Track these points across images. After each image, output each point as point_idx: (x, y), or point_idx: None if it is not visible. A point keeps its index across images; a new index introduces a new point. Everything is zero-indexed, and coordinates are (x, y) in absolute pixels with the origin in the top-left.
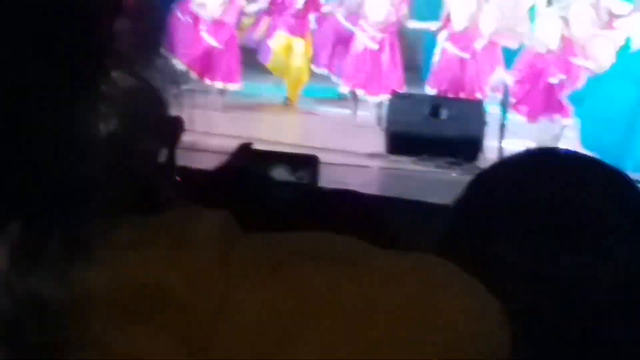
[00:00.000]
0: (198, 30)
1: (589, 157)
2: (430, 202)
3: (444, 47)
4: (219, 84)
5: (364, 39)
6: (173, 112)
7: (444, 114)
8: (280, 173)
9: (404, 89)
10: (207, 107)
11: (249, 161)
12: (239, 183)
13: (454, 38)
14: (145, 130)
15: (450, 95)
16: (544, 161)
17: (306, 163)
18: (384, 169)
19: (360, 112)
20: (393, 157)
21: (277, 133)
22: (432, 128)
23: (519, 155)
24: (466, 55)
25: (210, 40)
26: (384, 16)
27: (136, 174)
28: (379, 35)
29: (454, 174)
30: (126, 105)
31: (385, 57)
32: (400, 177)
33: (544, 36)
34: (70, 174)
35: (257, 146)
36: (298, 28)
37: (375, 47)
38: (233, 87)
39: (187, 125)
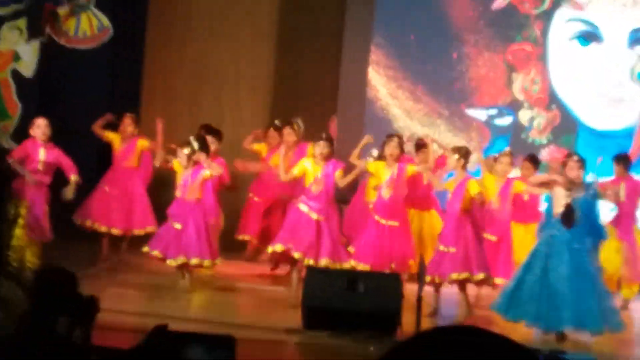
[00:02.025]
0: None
1: (500, 336)
2: None
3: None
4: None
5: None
6: (88, 292)
7: (361, 287)
8: (196, 353)
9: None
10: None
11: (164, 342)
12: None
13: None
14: (59, 310)
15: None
16: (457, 339)
17: (223, 343)
18: (301, 344)
19: (276, 288)
20: (310, 332)
21: (193, 310)
22: (349, 302)
23: (432, 332)
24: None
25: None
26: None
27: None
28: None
29: (371, 348)
30: (40, 286)
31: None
32: (317, 352)
33: None
34: None
35: (174, 325)
36: None
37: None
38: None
39: (103, 304)
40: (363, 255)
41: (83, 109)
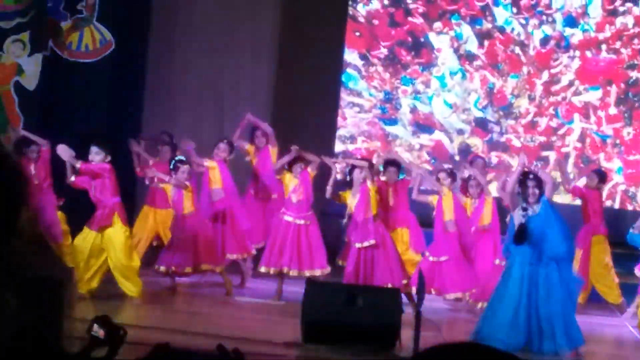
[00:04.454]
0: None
1: (505, 353)
2: None
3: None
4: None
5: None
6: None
7: (360, 301)
8: None
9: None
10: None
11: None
12: None
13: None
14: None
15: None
16: (463, 357)
17: None
18: (300, 357)
19: (274, 302)
20: (309, 346)
21: (192, 322)
22: (349, 316)
23: (435, 351)
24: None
25: None
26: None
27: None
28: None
29: None
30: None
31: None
32: None
33: None
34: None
35: (171, 337)
36: None
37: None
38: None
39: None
40: (347, 279)
41: (84, 122)
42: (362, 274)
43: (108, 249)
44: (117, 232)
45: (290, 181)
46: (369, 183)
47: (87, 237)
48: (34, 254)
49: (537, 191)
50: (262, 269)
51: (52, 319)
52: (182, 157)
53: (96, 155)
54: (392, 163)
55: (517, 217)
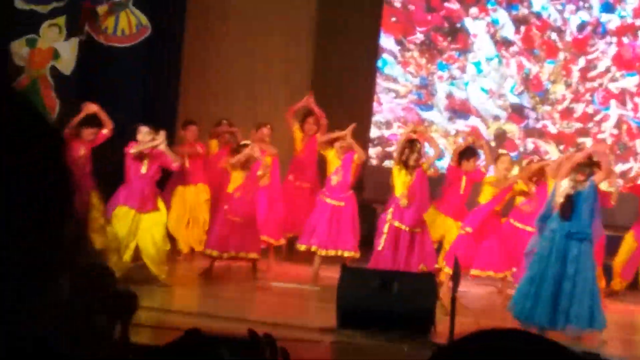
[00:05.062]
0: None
1: (548, 340)
2: None
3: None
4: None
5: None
6: (128, 288)
7: (395, 287)
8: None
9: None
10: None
11: (198, 343)
12: None
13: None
14: (98, 307)
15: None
16: (505, 344)
17: (258, 347)
18: (335, 343)
19: (309, 287)
20: (344, 331)
21: (227, 308)
22: (384, 302)
23: (476, 337)
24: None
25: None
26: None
27: (90, 348)
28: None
29: (405, 348)
30: (81, 280)
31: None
32: (351, 352)
33: None
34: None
35: (207, 323)
36: None
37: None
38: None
39: (142, 302)
40: (382, 261)
41: (120, 107)
42: (398, 256)
43: (146, 230)
44: (161, 216)
45: (333, 159)
46: (424, 166)
47: (124, 217)
48: (84, 239)
49: (588, 170)
50: (302, 248)
51: (100, 304)
52: (247, 142)
53: (147, 135)
54: (474, 153)
55: (565, 187)
